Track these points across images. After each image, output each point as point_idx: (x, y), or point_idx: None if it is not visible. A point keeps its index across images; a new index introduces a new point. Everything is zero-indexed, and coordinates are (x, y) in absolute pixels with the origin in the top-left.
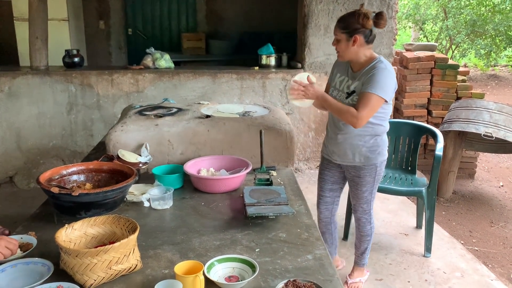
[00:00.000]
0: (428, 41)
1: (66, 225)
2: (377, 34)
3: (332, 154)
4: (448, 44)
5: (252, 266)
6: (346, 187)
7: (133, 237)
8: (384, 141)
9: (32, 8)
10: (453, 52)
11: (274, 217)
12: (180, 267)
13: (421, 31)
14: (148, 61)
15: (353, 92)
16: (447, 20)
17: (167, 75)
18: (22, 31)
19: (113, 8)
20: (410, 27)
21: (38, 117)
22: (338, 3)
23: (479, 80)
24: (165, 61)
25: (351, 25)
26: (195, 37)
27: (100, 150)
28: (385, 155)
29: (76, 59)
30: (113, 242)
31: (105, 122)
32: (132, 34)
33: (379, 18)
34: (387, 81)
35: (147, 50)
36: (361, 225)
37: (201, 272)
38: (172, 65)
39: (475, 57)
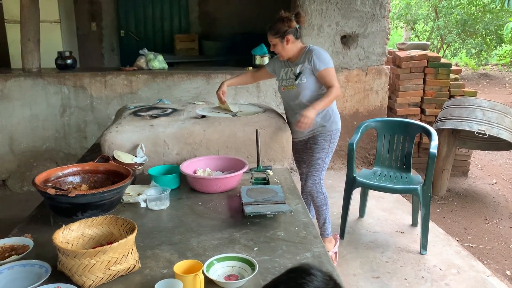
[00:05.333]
0: (419, 41)
1: (63, 226)
2: (370, 34)
3: (295, 134)
4: (439, 44)
5: (252, 265)
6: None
7: (131, 237)
8: (335, 111)
9: (23, 9)
10: (444, 51)
11: (272, 215)
12: (179, 266)
13: (412, 31)
14: (141, 62)
15: (300, 73)
16: (438, 19)
17: (160, 76)
18: (13, 33)
19: (105, 10)
20: (401, 27)
21: (30, 120)
22: (331, 2)
23: (470, 79)
24: (158, 62)
25: (280, 29)
26: (188, 38)
27: (95, 152)
28: (338, 123)
29: (69, 61)
30: (111, 243)
31: (99, 124)
32: (124, 36)
33: (298, 17)
34: (326, 56)
35: (141, 51)
36: (314, 196)
37: (201, 271)
38: (166, 66)
39: (466, 56)
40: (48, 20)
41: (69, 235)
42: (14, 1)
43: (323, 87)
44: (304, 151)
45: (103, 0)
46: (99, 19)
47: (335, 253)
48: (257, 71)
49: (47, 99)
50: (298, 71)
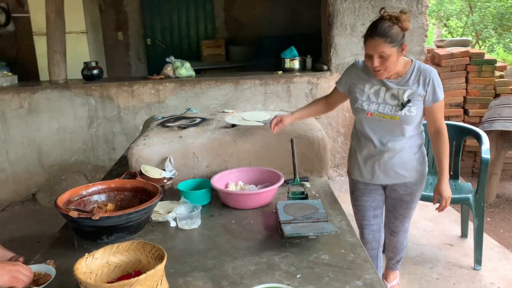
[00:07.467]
0: (452, 37)
1: (86, 254)
2: (407, 31)
3: (375, 176)
4: (474, 40)
5: None
6: None
7: (160, 266)
8: (424, 148)
9: (49, 21)
10: (480, 47)
11: (314, 237)
12: None
13: (445, 28)
14: (168, 70)
15: (409, 101)
16: (472, 14)
17: (188, 84)
18: (41, 46)
19: (131, 19)
20: (433, 24)
21: (58, 132)
22: (364, 0)
23: (509, 75)
24: (185, 69)
25: (399, 35)
26: (214, 44)
27: (123, 165)
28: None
29: (95, 71)
30: (139, 271)
31: (127, 134)
32: (151, 44)
33: (408, 17)
34: (441, 82)
35: (167, 59)
36: (399, 241)
37: None
38: (193, 73)
39: (504, 51)
40: (74, 31)
41: (93, 264)
42: (42, 13)
43: (421, 121)
44: (376, 194)
45: (129, 9)
46: (125, 28)
47: (398, 284)
48: (330, 94)
49: (74, 110)
50: (406, 97)
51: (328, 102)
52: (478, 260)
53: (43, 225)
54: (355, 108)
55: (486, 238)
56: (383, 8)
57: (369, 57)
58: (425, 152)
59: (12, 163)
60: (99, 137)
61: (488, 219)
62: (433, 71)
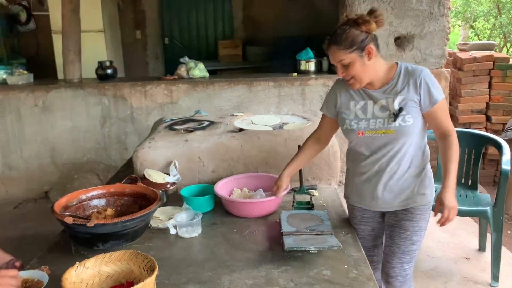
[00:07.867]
0: (479, 40)
1: (77, 263)
2: (427, 34)
3: (373, 201)
4: (502, 42)
5: None
6: None
7: (150, 280)
8: (430, 170)
9: (65, 20)
10: (508, 50)
11: (316, 251)
12: None
13: (471, 30)
14: (182, 71)
15: (401, 109)
16: (500, 16)
17: (201, 85)
18: (59, 44)
19: (149, 18)
20: (459, 26)
21: (71, 131)
22: (384, 1)
23: None
24: (199, 70)
25: (356, 38)
26: (231, 44)
27: (131, 167)
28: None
29: (109, 71)
30: (131, 282)
31: (139, 135)
32: (168, 43)
33: (376, 16)
34: (435, 79)
35: (181, 60)
36: None
37: None
38: (207, 74)
39: None
40: (92, 30)
41: (83, 274)
42: (60, 12)
43: (424, 133)
44: (375, 222)
45: (147, 8)
46: (144, 27)
47: None
48: (319, 127)
49: (87, 110)
50: (397, 105)
51: (318, 137)
52: (495, 276)
53: (54, 224)
54: (345, 129)
55: (505, 252)
56: (344, 12)
57: (335, 67)
58: (431, 175)
59: (25, 161)
60: (111, 137)
61: (509, 232)
62: (423, 71)
